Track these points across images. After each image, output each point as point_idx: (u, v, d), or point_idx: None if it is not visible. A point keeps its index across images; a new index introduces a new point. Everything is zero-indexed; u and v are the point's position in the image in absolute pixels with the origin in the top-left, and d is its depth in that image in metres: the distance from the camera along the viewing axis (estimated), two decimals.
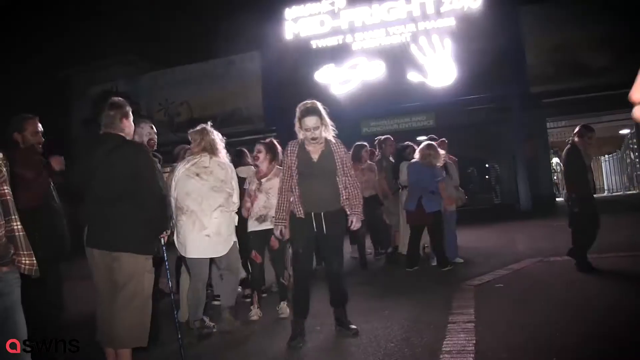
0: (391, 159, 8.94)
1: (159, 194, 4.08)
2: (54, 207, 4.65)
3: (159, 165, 4.80)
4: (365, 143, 9.03)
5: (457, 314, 5.13)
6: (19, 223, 2.68)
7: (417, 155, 7.86)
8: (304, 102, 4.77)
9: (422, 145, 7.87)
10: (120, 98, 4.18)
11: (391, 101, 16.54)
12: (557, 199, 18.25)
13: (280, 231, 4.88)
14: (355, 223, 4.83)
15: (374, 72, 16.97)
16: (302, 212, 4.75)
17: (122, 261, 3.85)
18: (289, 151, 4.83)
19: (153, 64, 22.16)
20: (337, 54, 17.43)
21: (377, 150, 9.33)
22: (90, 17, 24.14)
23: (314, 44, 17.74)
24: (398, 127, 16.83)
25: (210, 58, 20.00)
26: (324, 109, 4.75)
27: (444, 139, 8.74)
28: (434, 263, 7.90)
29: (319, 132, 4.68)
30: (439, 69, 16.24)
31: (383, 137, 9.36)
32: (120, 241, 3.84)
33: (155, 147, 5.06)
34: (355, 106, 16.48)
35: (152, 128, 5.12)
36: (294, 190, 4.79)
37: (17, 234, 2.66)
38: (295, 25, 17.95)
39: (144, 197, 3.91)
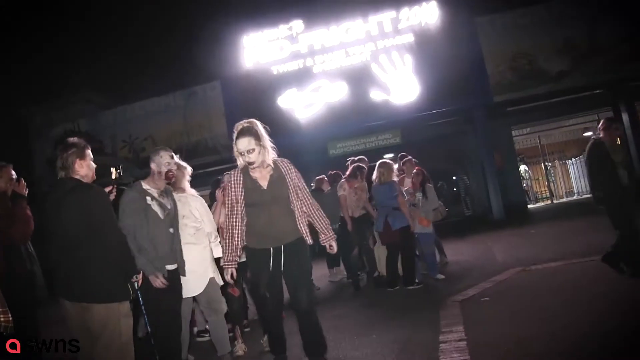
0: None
1: (118, 237, 3.84)
2: (29, 253, 4.51)
3: (132, 204, 4.39)
4: (364, 159, 8.97)
5: (447, 333, 4.96)
6: None
7: (374, 176, 7.90)
8: (240, 122, 4.34)
9: (376, 165, 7.90)
10: (75, 138, 3.96)
11: (356, 121, 16.52)
12: (529, 206, 18.37)
13: (231, 274, 4.32)
14: (334, 246, 4.52)
15: (337, 93, 16.93)
16: (256, 246, 4.33)
17: (93, 312, 3.62)
18: (232, 181, 4.32)
19: (113, 100, 21.76)
20: (299, 78, 17.34)
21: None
22: (44, 54, 23.59)
23: (275, 69, 17.63)
24: (365, 147, 16.75)
25: (171, 91, 19.74)
26: (264, 128, 4.31)
27: (410, 157, 8.68)
28: (441, 276, 7.80)
29: (255, 155, 4.18)
30: (402, 86, 16.28)
31: (357, 157, 9.20)
32: (87, 291, 3.62)
33: (173, 179, 4.69)
34: (321, 129, 16.46)
35: (172, 157, 4.62)
36: (240, 225, 4.29)
37: None
38: (254, 52, 17.85)
39: (103, 241, 3.68)
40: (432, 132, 16.45)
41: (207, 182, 6.94)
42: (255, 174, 4.29)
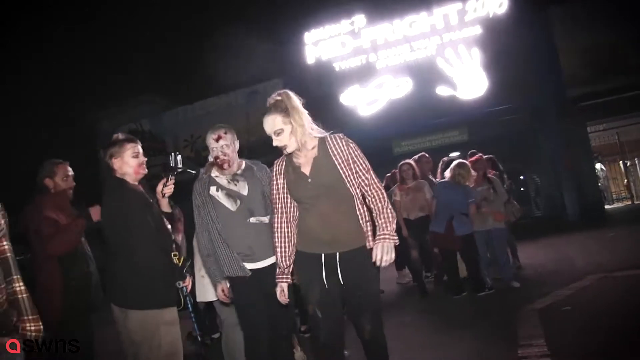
0: (431, 177, 8.32)
1: (153, 240, 3.57)
2: (87, 255, 4.34)
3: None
4: (425, 156, 8.61)
5: (527, 346, 4.48)
6: (21, 284, 2.36)
7: (447, 174, 7.40)
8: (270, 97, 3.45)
9: (453, 164, 7.39)
10: (117, 135, 3.80)
11: (421, 118, 15.90)
12: (606, 207, 17.34)
13: (282, 291, 3.41)
14: (384, 254, 3.11)
15: (401, 89, 16.45)
16: (304, 249, 3.39)
17: (131, 317, 3.44)
18: (274, 172, 3.50)
19: (174, 101, 22.03)
20: (362, 74, 16.93)
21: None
22: (105, 60, 24.28)
23: (337, 66, 17.30)
24: (431, 144, 16.16)
25: (233, 89, 19.73)
26: (298, 99, 3.39)
27: (480, 154, 8.12)
28: (516, 284, 7.23)
29: (285, 136, 3.27)
30: (469, 81, 15.63)
31: (417, 155, 8.76)
32: (123, 296, 3.48)
33: (225, 166, 3.93)
34: (385, 126, 15.95)
35: (217, 140, 3.93)
36: (284, 229, 3.40)
37: (20, 296, 2.34)
38: (316, 48, 17.56)
39: (135, 244, 3.47)
40: (500, 129, 15.67)
41: None
42: (299, 159, 3.35)
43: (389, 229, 3.16)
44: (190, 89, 21.73)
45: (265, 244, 3.73)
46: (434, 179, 8.13)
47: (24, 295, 2.36)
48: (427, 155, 8.73)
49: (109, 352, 5.00)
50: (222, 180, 3.95)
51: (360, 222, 3.27)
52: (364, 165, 3.26)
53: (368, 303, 3.29)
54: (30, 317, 2.35)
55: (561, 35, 15.37)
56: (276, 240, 3.38)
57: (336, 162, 3.24)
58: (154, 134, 21.05)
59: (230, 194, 3.89)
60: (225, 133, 3.93)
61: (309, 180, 3.27)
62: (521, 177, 17.24)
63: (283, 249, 3.36)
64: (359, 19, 17.17)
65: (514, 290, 7.06)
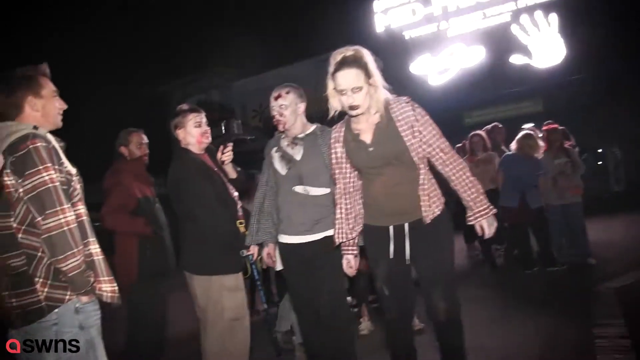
0: (503, 148, 8.02)
1: (215, 207, 3.60)
2: (160, 221, 4.43)
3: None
4: (498, 126, 8.33)
5: (603, 326, 4.27)
6: (97, 246, 2.44)
7: (513, 146, 7.18)
8: (340, 49, 3.03)
9: (519, 135, 7.14)
10: (181, 106, 3.89)
11: (494, 88, 15.38)
12: None
13: (349, 263, 3.21)
14: (486, 228, 2.97)
15: (474, 58, 15.92)
16: (370, 222, 3.13)
17: (195, 283, 3.57)
18: (333, 140, 3.17)
19: (243, 72, 22.21)
20: (432, 42, 16.47)
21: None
22: (176, 32, 24.70)
23: (407, 34, 16.91)
24: (503, 115, 15.46)
25: (301, 59, 19.68)
26: (375, 59, 3.02)
27: (556, 125, 7.72)
28: (593, 261, 6.91)
29: (361, 96, 2.88)
30: (545, 48, 14.95)
31: (491, 125, 8.45)
32: (189, 262, 3.63)
33: (281, 127, 3.61)
34: (456, 96, 15.52)
35: (276, 98, 3.63)
36: (345, 199, 3.11)
37: (95, 258, 2.42)
38: (385, 17, 17.17)
39: (197, 212, 3.57)
40: (578, 99, 14.97)
41: None
42: (360, 124, 3.03)
43: (484, 201, 2.96)
44: (259, 59, 21.85)
45: (307, 218, 3.49)
46: (507, 151, 7.82)
47: (100, 257, 2.44)
48: (501, 126, 8.43)
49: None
50: (284, 141, 3.69)
51: (428, 191, 2.95)
52: (433, 131, 2.94)
53: (442, 276, 3.00)
54: (105, 277, 2.44)
55: None
56: (337, 211, 3.12)
57: (400, 129, 2.90)
58: (223, 104, 21.33)
59: (284, 157, 3.63)
60: (288, 92, 3.61)
61: (370, 149, 2.97)
62: (599, 151, 16.50)
63: (342, 222, 3.09)
64: None
65: (589, 267, 6.74)
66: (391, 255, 3.00)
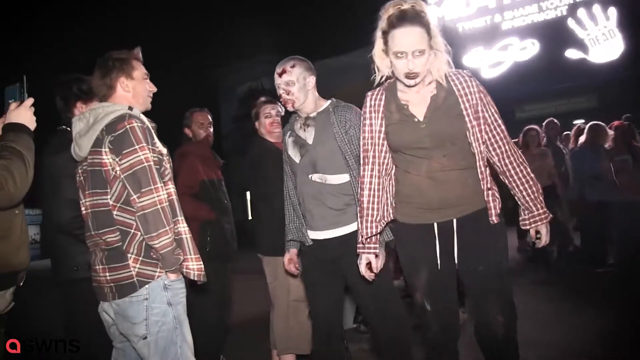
0: (558, 144, 8.00)
1: (277, 191, 3.46)
2: (224, 205, 4.43)
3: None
4: (553, 121, 8.11)
5: None
6: (185, 224, 2.51)
7: (582, 139, 7.06)
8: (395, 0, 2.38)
9: (587, 126, 7.07)
10: (260, 98, 4.16)
11: (547, 82, 15.27)
12: None
13: (369, 265, 2.63)
14: (544, 234, 2.48)
15: (527, 52, 15.84)
16: (408, 220, 2.55)
17: (265, 263, 3.83)
18: (368, 107, 2.56)
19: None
20: (486, 35, 16.46)
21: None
22: (230, 20, 25.08)
23: (461, 26, 16.89)
24: (556, 110, 15.40)
25: (353, 49, 19.76)
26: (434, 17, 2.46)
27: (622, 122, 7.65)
28: None
29: (423, 61, 2.32)
30: (602, 43, 14.75)
31: (547, 120, 8.43)
32: (259, 243, 3.89)
33: (289, 106, 3.12)
34: (508, 90, 15.31)
35: (280, 74, 3.11)
36: (375, 185, 2.55)
37: (184, 236, 2.49)
38: (439, 8, 17.12)
39: (266, 195, 3.80)
40: (636, 95, 14.69)
41: None
42: (409, 94, 2.47)
43: (543, 203, 2.47)
44: (310, 48, 22.02)
45: (326, 211, 2.98)
46: (561, 146, 7.83)
47: (188, 235, 2.51)
48: (556, 121, 8.40)
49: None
50: (297, 123, 3.18)
51: (489, 181, 2.43)
52: (496, 114, 2.46)
53: (496, 283, 2.42)
54: (193, 256, 2.50)
55: None
56: (363, 199, 2.56)
57: (462, 107, 2.40)
58: (273, 92, 21.59)
59: (297, 141, 3.12)
60: (293, 66, 3.07)
61: (423, 126, 2.41)
62: None
63: (370, 212, 2.54)
64: None
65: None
66: (438, 260, 2.46)
